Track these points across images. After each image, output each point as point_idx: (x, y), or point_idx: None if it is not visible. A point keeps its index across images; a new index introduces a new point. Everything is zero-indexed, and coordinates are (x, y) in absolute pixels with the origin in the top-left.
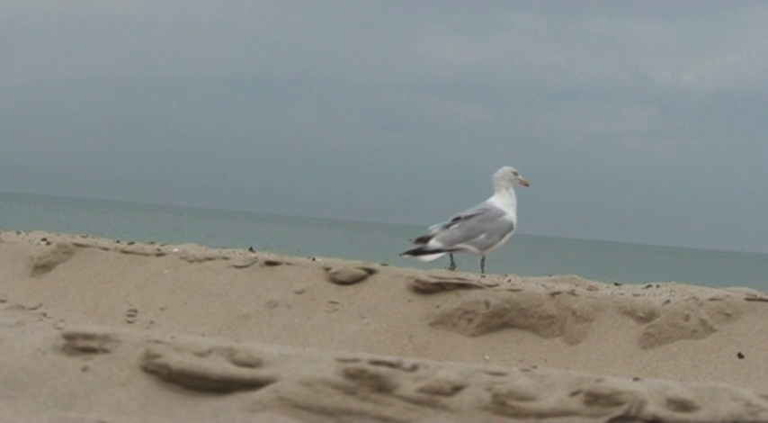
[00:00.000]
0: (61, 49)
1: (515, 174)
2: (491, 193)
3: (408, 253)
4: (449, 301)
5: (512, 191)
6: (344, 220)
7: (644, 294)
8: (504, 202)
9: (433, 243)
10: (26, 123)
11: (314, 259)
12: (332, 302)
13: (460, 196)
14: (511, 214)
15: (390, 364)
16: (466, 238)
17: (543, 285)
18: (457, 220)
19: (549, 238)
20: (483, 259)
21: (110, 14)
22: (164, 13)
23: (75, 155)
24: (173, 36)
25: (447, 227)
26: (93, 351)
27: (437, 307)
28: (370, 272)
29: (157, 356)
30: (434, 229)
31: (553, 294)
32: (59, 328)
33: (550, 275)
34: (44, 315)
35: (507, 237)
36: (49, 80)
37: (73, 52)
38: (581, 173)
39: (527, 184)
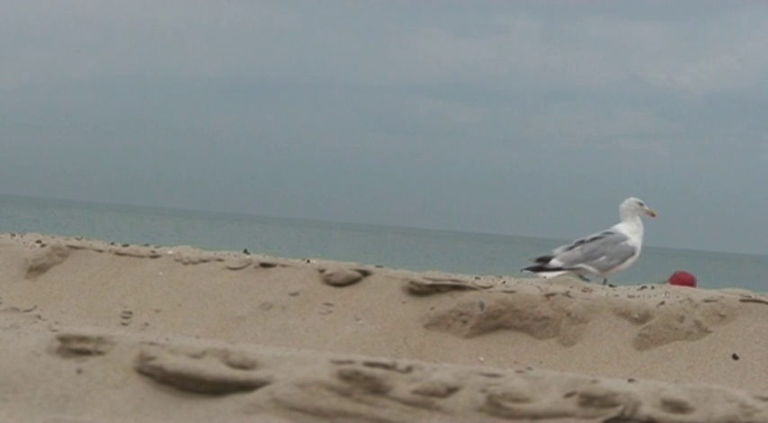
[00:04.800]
0: (57, 52)
1: (641, 204)
2: (617, 220)
3: (529, 269)
4: (443, 303)
5: (638, 220)
6: (342, 221)
7: (639, 296)
8: (629, 229)
9: (554, 262)
10: (21, 126)
11: (308, 261)
12: (327, 304)
13: (458, 197)
14: (635, 240)
15: (385, 366)
16: (586, 259)
17: (538, 287)
18: (581, 242)
19: (544, 240)
20: (605, 281)
21: (107, 17)
22: (160, 15)
23: (70, 157)
24: (169, 38)
25: (570, 248)
26: (87, 353)
27: (432, 308)
28: (365, 274)
29: (152, 358)
30: (558, 250)
31: (548, 296)
32: (54, 331)
33: (545, 276)
34: (39, 317)
35: (629, 261)
36: (45, 82)
37: (68, 55)
38: (577, 174)
39: (653, 215)
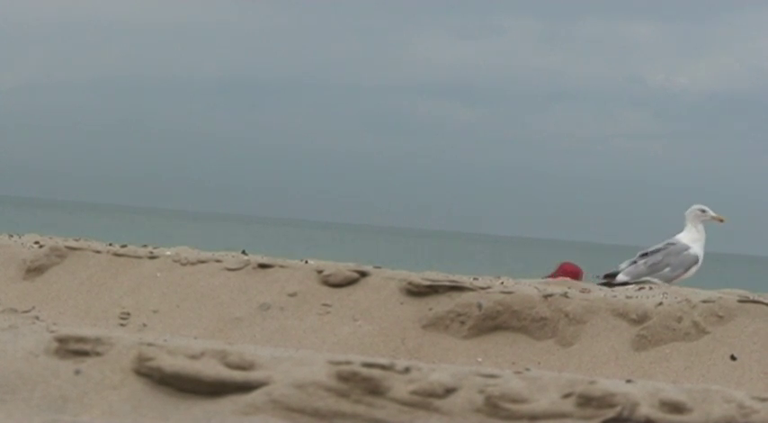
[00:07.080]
0: (57, 52)
1: (703, 211)
2: (681, 229)
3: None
4: (441, 304)
5: (700, 227)
6: (341, 222)
7: (637, 296)
8: (690, 238)
9: (620, 277)
10: (22, 126)
11: (306, 262)
12: (324, 305)
13: (458, 197)
14: (696, 249)
15: (383, 367)
16: (651, 272)
17: (536, 287)
18: (644, 255)
19: (542, 240)
20: None
21: (107, 17)
22: (160, 15)
23: (69, 157)
24: (169, 38)
25: (634, 262)
26: (85, 354)
27: (430, 309)
28: (363, 274)
29: (150, 359)
30: (623, 265)
31: (546, 296)
32: (52, 332)
33: (543, 277)
34: (37, 318)
35: (693, 270)
36: (45, 83)
37: (67, 55)
38: (575, 175)
39: (721, 220)
